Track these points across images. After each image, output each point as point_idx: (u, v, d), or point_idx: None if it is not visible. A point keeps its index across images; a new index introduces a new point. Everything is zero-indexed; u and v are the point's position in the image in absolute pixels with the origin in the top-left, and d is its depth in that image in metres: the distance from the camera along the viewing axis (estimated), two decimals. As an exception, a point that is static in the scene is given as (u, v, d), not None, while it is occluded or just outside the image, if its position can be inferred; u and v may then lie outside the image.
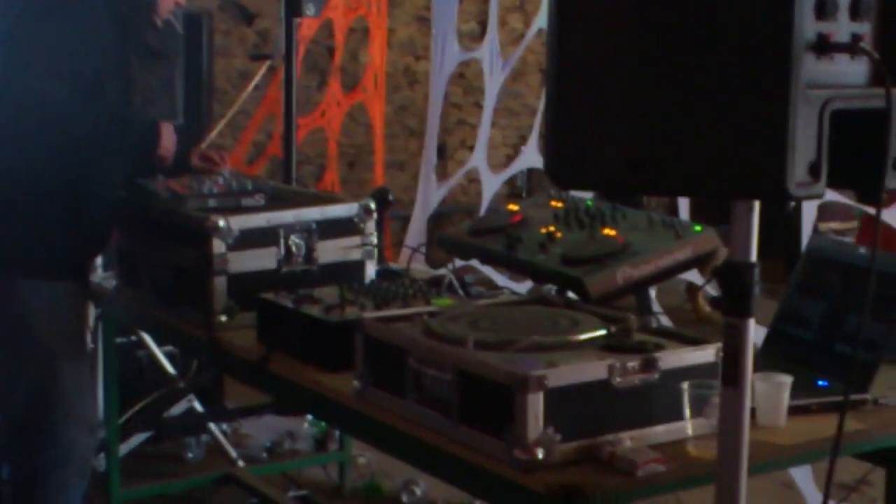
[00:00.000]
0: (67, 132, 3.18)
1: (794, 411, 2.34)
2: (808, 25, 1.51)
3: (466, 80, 8.13)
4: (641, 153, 1.61)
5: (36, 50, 3.17)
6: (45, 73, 3.14)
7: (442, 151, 7.99)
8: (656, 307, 3.93)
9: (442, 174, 7.34)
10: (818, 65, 1.54)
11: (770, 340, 2.78)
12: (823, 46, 1.53)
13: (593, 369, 2.14)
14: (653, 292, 4.21)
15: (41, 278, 3.25)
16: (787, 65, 1.49)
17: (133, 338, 4.56)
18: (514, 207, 3.06)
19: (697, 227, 2.66)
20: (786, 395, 2.32)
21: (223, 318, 3.06)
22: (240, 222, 3.10)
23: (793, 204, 1.58)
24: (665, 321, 3.70)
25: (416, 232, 5.75)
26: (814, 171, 1.54)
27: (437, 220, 6.62)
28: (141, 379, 4.54)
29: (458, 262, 3.18)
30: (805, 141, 1.52)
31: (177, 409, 4.65)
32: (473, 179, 6.72)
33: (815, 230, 4.13)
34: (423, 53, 7.87)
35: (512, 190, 8.01)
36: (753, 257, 1.76)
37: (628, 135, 1.62)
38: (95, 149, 3.26)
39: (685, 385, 2.17)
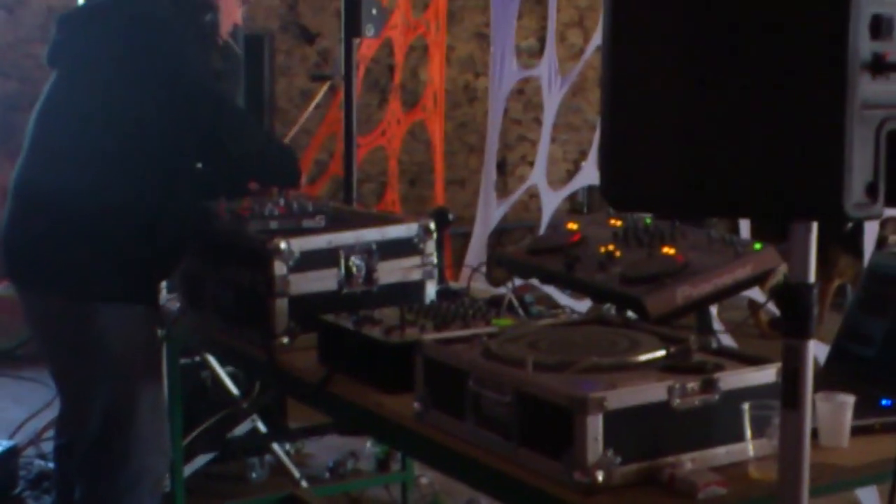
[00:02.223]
0: (152, 157, 3.23)
1: (857, 431, 2.31)
2: (863, 45, 1.50)
3: (526, 96, 8.14)
4: (697, 175, 1.61)
5: (132, 74, 3.22)
6: (137, 96, 3.20)
7: (502, 168, 8.01)
8: (718, 325, 3.90)
9: (503, 191, 7.35)
10: (874, 84, 1.52)
11: (833, 358, 2.75)
12: (879, 66, 1.51)
13: (653, 391, 2.13)
14: (714, 309, 4.18)
15: (118, 301, 3.28)
16: (842, 85, 1.48)
17: (197, 359, 4.60)
18: (573, 226, 3.05)
19: (757, 245, 2.64)
20: (848, 414, 2.29)
21: (285, 340, 3.08)
22: (301, 244, 3.12)
23: (851, 224, 1.56)
24: (727, 339, 3.67)
25: (476, 249, 5.75)
26: (871, 191, 1.52)
27: (499, 236, 6.63)
28: (205, 399, 4.58)
29: (519, 280, 3.18)
30: (862, 161, 1.51)
31: (240, 430, 4.68)
32: (535, 195, 6.73)
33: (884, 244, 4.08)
34: (483, 70, 7.89)
35: (573, 206, 8.00)
36: (812, 278, 1.74)
37: (683, 156, 1.62)
38: (178, 173, 3.32)
39: (746, 406, 2.15)
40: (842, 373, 2.64)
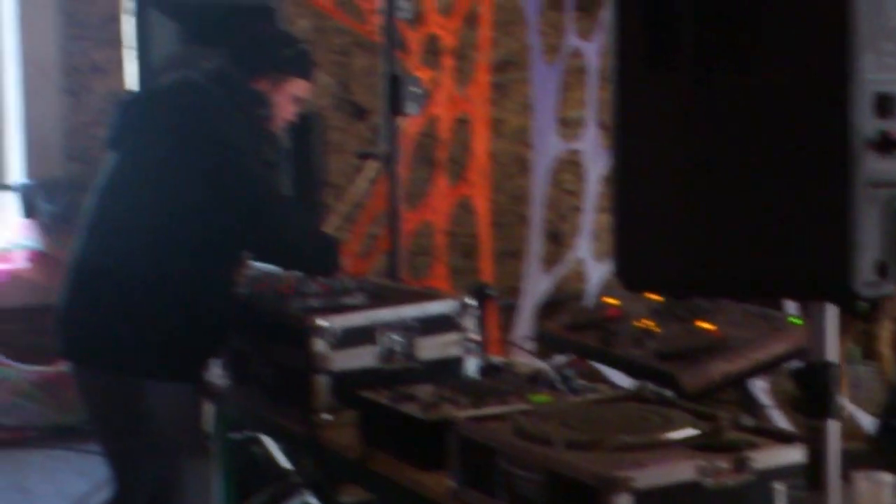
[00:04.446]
0: (201, 240, 3.30)
1: (898, 510, 2.26)
2: (867, 124, 1.50)
3: (580, 166, 8.14)
4: (706, 257, 1.61)
5: (186, 159, 3.30)
6: (191, 181, 3.28)
7: (556, 239, 7.99)
8: (766, 399, 3.84)
9: (557, 261, 7.33)
10: (881, 163, 1.52)
11: (880, 434, 2.70)
12: (885, 144, 1.51)
13: (682, 470, 2.11)
14: (764, 383, 4.11)
15: (166, 379, 3.34)
16: (847, 164, 1.48)
17: (249, 433, 4.61)
18: (612, 301, 3.06)
19: (795, 320, 2.63)
20: (888, 494, 2.25)
21: (326, 417, 3.10)
22: (341, 321, 3.14)
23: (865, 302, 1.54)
24: (776, 414, 3.62)
25: (524, 322, 5.75)
26: (881, 269, 1.51)
27: (548, 308, 6.59)
28: (256, 474, 4.59)
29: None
30: (871, 240, 1.50)
31: (291, 505, 4.68)
32: (588, 266, 6.71)
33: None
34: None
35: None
36: (833, 357, 1.72)
37: (693, 239, 1.62)
38: (226, 256, 3.38)
39: (778, 485, 2.12)
40: (889, 449, 2.60)
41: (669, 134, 1.63)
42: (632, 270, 1.70)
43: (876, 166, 1.51)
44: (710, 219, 1.59)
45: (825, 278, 1.52)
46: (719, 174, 1.57)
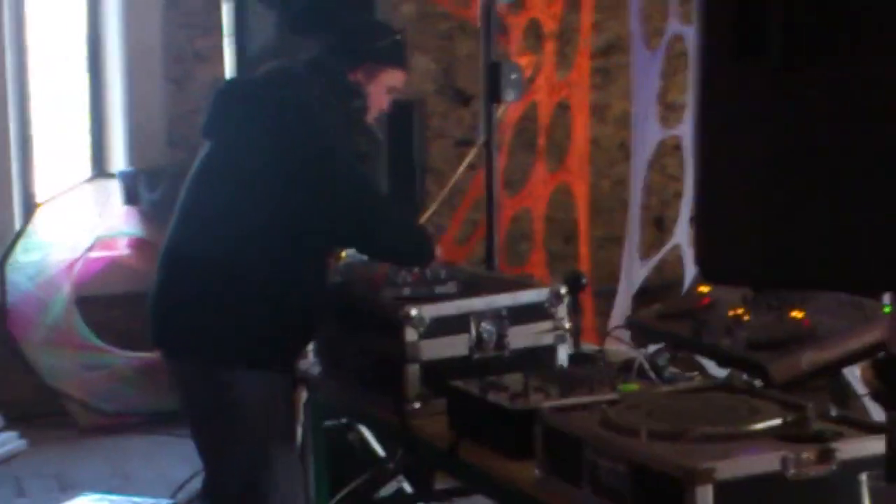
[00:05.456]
0: (292, 232, 3.33)
1: None
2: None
3: (683, 152, 8.04)
4: (790, 247, 1.57)
5: (279, 152, 3.33)
6: (283, 173, 3.31)
7: (660, 225, 7.92)
8: (862, 389, 3.76)
9: (661, 248, 7.26)
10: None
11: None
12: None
13: (765, 461, 2.09)
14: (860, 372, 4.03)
15: (258, 368, 3.36)
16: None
17: (344, 420, 4.66)
18: (704, 290, 3.02)
19: (887, 309, 2.57)
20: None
21: (417, 405, 3.12)
22: (432, 311, 3.16)
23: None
24: (871, 404, 3.55)
25: (621, 310, 5.71)
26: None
27: (645, 295, 6.53)
28: (352, 461, 4.63)
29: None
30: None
31: (386, 491, 4.71)
32: (690, 253, 6.62)
33: None
34: (639, 128, 7.83)
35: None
36: (915, 349, 1.69)
37: (775, 229, 1.59)
38: (316, 246, 3.41)
39: (863, 477, 2.08)
40: None
41: (754, 124, 1.60)
42: (713, 261, 1.67)
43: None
44: (792, 209, 1.56)
45: (903, 270, 1.48)
46: (803, 165, 1.54)
